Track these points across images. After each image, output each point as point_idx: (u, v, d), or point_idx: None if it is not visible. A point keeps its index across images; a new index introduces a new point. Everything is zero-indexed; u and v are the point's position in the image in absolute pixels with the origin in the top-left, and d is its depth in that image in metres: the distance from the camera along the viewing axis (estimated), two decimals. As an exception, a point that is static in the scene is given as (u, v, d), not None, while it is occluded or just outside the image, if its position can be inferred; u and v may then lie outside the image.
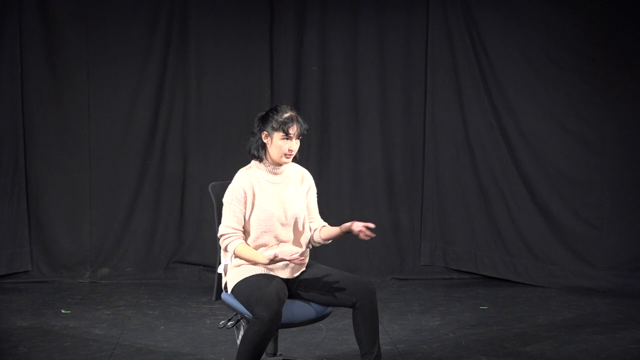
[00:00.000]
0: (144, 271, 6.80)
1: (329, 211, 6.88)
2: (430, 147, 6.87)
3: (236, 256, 4.06)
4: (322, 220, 4.30)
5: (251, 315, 3.90)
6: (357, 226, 4.04)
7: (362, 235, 4.04)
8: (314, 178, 6.99)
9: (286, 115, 4.05)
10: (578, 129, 6.73)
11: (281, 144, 4.05)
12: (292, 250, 4.06)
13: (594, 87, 6.69)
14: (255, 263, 4.04)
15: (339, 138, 6.91)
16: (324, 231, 4.22)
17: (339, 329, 5.33)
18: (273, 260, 3.97)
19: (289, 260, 3.97)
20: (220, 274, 4.21)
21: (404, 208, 6.94)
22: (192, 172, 6.80)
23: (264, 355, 4.18)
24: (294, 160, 4.18)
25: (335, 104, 6.89)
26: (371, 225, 4.04)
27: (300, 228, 4.17)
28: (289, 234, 4.13)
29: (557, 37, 6.68)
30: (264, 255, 4.01)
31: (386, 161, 6.93)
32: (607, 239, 6.69)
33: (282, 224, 4.10)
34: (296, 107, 6.86)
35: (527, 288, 6.62)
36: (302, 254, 4.10)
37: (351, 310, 4.07)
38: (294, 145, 4.07)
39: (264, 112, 4.14)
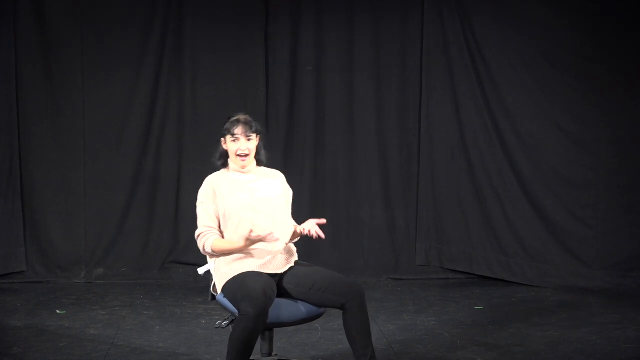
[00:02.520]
0: (139, 271, 6.79)
1: (324, 211, 6.89)
2: (425, 147, 6.88)
3: (214, 251, 4.10)
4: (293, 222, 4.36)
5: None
6: (307, 228, 4.10)
7: (312, 234, 4.09)
8: (310, 178, 7.03)
9: (233, 118, 4.23)
10: (573, 129, 6.74)
11: (231, 146, 4.20)
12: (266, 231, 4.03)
13: (589, 87, 6.70)
14: (232, 252, 4.06)
15: (334, 138, 6.91)
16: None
17: (335, 329, 5.33)
18: (250, 239, 3.98)
19: (264, 239, 3.96)
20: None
21: (400, 208, 6.94)
22: (187, 172, 6.80)
23: (259, 356, 4.18)
24: (260, 163, 4.30)
25: (330, 105, 6.89)
26: (322, 221, 4.13)
27: (281, 217, 4.19)
28: (267, 222, 4.13)
29: (552, 37, 6.69)
30: (239, 237, 4.03)
31: (382, 161, 6.93)
32: (602, 239, 6.71)
33: (255, 210, 4.12)
34: (291, 107, 6.88)
35: (522, 288, 6.62)
36: (286, 248, 4.16)
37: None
38: (243, 144, 4.18)
39: None
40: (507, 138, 6.78)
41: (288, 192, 4.32)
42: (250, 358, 4.17)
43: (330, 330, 5.30)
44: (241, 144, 4.18)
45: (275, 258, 4.12)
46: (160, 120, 6.77)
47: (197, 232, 4.16)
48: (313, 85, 6.86)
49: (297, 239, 4.31)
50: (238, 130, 4.17)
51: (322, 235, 4.09)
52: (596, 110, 6.71)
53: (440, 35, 6.79)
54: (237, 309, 3.90)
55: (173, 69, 6.75)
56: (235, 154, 4.18)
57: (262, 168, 4.31)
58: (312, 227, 4.10)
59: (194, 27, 6.72)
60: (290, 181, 4.42)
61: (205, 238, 4.11)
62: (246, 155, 4.19)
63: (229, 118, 4.25)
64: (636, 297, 6.31)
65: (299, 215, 4.59)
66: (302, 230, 4.13)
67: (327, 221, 7.06)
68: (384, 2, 6.81)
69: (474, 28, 6.74)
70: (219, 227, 4.15)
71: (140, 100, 6.74)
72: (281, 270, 4.13)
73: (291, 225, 4.26)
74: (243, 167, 4.22)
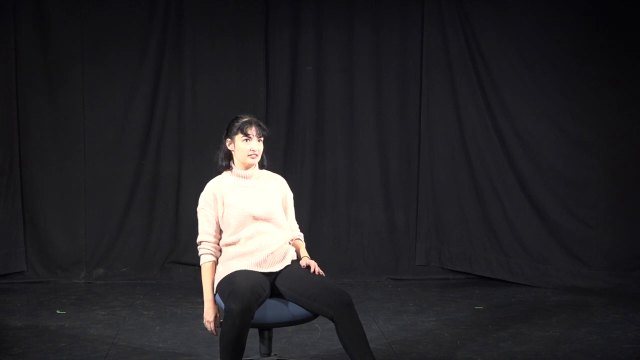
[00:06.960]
0: (139, 271, 6.79)
1: (324, 211, 6.90)
2: (425, 147, 6.88)
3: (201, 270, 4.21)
4: (298, 230, 4.38)
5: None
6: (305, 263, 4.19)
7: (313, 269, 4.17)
8: (310, 178, 7.02)
9: (244, 119, 4.26)
10: (573, 129, 6.74)
11: (243, 145, 4.20)
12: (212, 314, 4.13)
13: (589, 87, 6.70)
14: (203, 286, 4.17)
15: (334, 138, 6.91)
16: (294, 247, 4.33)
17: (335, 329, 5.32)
18: (207, 318, 4.14)
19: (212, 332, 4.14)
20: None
21: (400, 208, 6.94)
22: (187, 172, 6.80)
23: (257, 356, 4.18)
24: (262, 167, 4.31)
25: (330, 104, 6.89)
26: (321, 272, 4.15)
27: (280, 222, 4.20)
28: (266, 228, 4.16)
29: (552, 37, 6.69)
30: (207, 300, 4.13)
31: (382, 161, 6.93)
32: (602, 239, 6.71)
33: (255, 218, 4.14)
34: (291, 107, 6.88)
35: (522, 288, 6.62)
36: (283, 247, 4.16)
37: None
38: (255, 145, 4.21)
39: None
40: (507, 138, 6.78)
41: (288, 196, 4.33)
42: (250, 358, 4.18)
43: (331, 330, 5.29)
44: (253, 144, 4.20)
45: (271, 257, 4.12)
46: (160, 120, 6.77)
47: (198, 239, 4.22)
48: (313, 85, 6.86)
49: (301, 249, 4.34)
50: (252, 131, 4.20)
51: (323, 273, 4.16)
52: (596, 110, 6.71)
53: (440, 36, 6.79)
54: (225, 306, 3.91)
55: (173, 68, 6.75)
56: (247, 153, 4.19)
57: (264, 171, 4.32)
58: (311, 264, 4.16)
59: (194, 27, 6.72)
60: (290, 181, 4.42)
61: (201, 253, 4.18)
62: (256, 156, 4.22)
63: (236, 119, 4.26)
64: (636, 297, 6.31)
65: (299, 215, 4.60)
66: (304, 264, 4.17)
67: (327, 221, 7.09)
68: (384, 3, 6.81)
69: (473, 28, 6.74)
70: (220, 232, 4.18)
71: (140, 99, 6.74)
72: (276, 269, 4.13)
73: (289, 228, 4.27)
74: (250, 165, 4.22)
